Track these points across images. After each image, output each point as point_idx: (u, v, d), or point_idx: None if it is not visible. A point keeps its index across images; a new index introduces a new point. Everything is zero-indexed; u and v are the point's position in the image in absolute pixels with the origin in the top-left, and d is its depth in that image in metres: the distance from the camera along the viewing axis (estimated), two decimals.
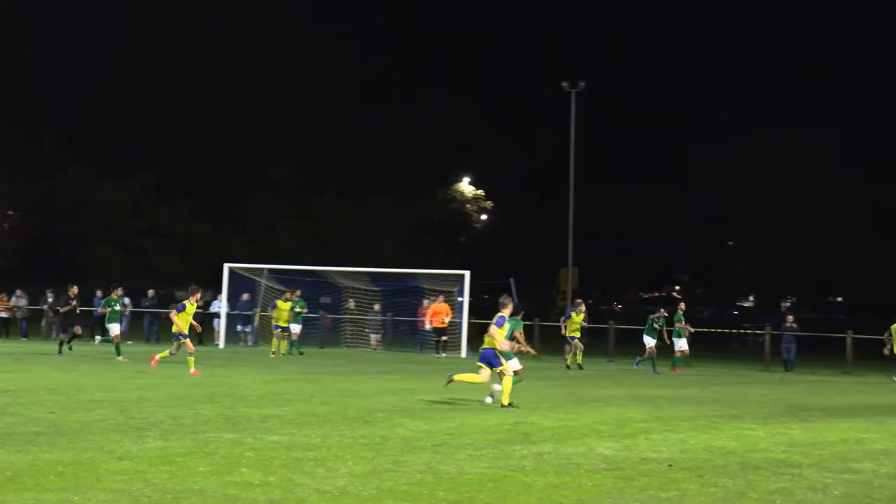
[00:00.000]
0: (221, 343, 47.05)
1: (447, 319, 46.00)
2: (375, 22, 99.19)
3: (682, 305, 40.82)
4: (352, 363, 37.69)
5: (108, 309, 38.54)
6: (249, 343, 48.22)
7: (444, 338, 45.62)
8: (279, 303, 41.89)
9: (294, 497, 12.11)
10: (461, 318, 46.52)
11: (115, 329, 37.66)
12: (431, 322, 46.03)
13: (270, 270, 49.64)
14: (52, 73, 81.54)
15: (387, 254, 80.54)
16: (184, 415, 19.32)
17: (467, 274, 46.83)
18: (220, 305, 48.31)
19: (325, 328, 50.30)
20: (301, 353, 41.26)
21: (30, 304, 51.16)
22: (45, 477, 12.78)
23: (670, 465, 14.96)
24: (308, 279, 50.90)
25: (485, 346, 22.69)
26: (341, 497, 12.17)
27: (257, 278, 48.96)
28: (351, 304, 50.16)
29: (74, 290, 37.83)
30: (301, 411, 20.51)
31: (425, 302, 48.49)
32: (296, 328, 42.98)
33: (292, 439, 16.48)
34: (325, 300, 52.35)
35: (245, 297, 48.81)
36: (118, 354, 35.32)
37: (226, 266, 48.39)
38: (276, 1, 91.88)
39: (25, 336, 49.49)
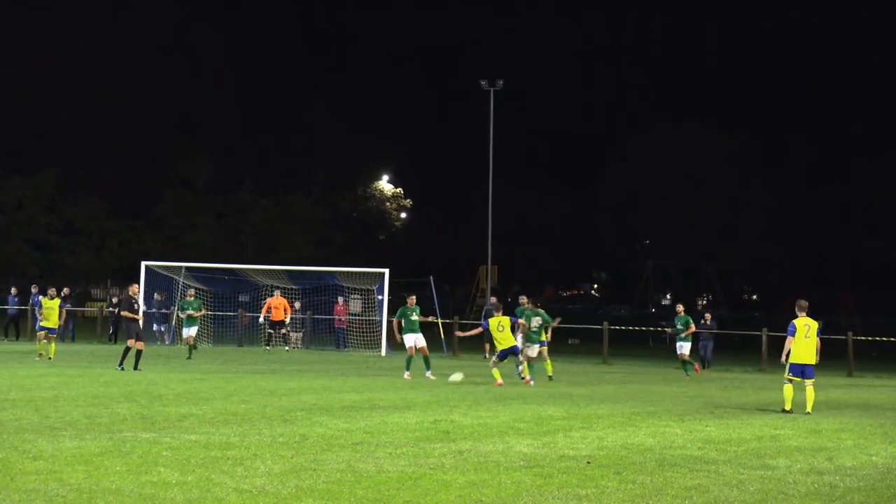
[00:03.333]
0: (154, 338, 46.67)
1: (287, 315, 46.14)
2: (292, 14, 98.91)
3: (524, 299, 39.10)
4: (270, 362, 37.50)
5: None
6: (166, 342, 47.81)
7: (284, 330, 45.84)
8: (45, 301, 36.75)
9: (212, 496, 12.03)
10: (381, 315, 46.47)
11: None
12: (271, 316, 45.95)
13: (188, 268, 49.23)
14: None
15: (305, 251, 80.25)
16: (100, 414, 19.12)
17: (386, 272, 46.80)
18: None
19: (243, 326, 50.03)
20: (189, 358, 37.51)
21: None
22: None
23: (588, 463, 15.06)
24: (226, 277, 50.59)
25: (503, 346, 23.59)
26: (260, 496, 12.11)
27: (175, 276, 48.54)
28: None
29: None
30: (219, 410, 20.38)
31: (340, 300, 48.46)
32: (191, 331, 40.00)
33: (210, 438, 16.37)
34: (243, 298, 52.06)
35: (158, 296, 48.35)
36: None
37: (143, 264, 47.93)
38: None
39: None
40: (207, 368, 32.72)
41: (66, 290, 46.95)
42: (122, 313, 31.22)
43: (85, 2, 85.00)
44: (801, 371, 23.10)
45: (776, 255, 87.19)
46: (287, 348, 45.46)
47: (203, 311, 42.47)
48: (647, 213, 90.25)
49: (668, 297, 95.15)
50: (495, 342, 29.38)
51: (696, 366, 38.93)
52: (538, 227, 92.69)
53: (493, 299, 48.59)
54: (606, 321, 48.86)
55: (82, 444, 15.41)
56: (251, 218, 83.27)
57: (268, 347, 45.31)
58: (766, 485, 13.82)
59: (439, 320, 46.91)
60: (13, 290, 49.49)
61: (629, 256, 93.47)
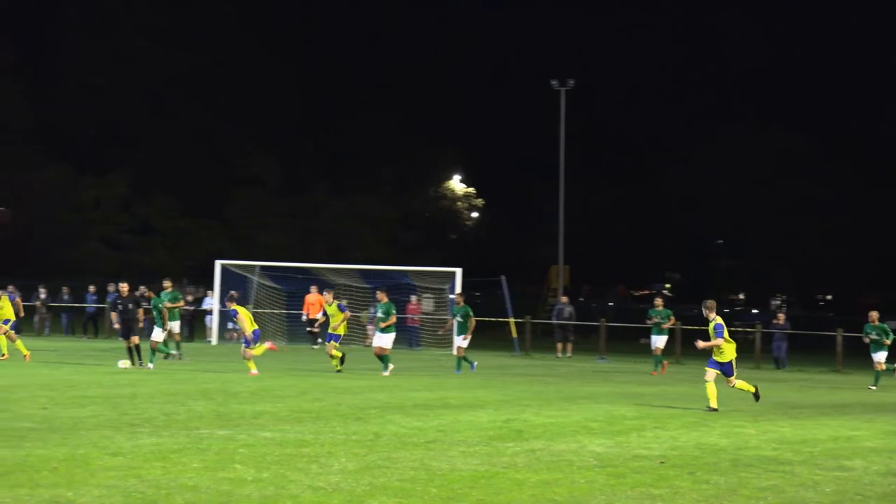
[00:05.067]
0: (214, 340, 47.05)
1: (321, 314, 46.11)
2: (367, 17, 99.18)
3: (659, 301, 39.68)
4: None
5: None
6: (242, 341, 48.13)
7: (313, 328, 45.83)
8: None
9: (287, 493, 12.15)
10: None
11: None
12: (308, 313, 45.98)
13: (262, 267, 49.62)
14: (22, 69, 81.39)
15: (376, 251, 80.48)
16: (176, 411, 19.35)
17: (458, 271, 46.87)
18: (212, 302, 48.28)
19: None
20: (166, 357, 34.03)
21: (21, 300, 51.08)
22: (39, 473, 12.81)
23: (662, 462, 15.03)
24: (299, 276, 50.90)
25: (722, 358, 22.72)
26: (334, 493, 12.21)
27: (249, 275, 48.94)
28: (343, 301, 50.14)
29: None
30: (293, 408, 20.55)
31: (413, 298, 48.57)
32: (172, 326, 34.86)
33: (285, 436, 16.52)
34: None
35: (234, 294, 48.64)
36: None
37: (217, 263, 48.36)
38: None
39: (17, 332, 49.39)
40: (281, 366, 32.96)
41: (143, 289, 47.47)
42: (112, 314, 31.66)
43: (152, 2, 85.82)
44: None
45: (848, 255, 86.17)
46: (314, 347, 45.10)
47: (181, 304, 36.93)
48: (719, 213, 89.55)
49: (742, 296, 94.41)
50: None
51: (665, 364, 37.54)
52: (609, 226, 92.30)
53: (564, 299, 48.57)
54: (679, 321, 48.56)
55: (160, 440, 15.62)
56: (322, 218, 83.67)
57: (315, 347, 45.07)
58: (842, 486, 13.72)
59: (512, 320, 46.94)
60: (91, 289, 50.18)
61: (701, 256, 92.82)
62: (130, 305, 31.46)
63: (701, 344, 23.21)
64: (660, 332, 37.47)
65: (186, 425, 17.40)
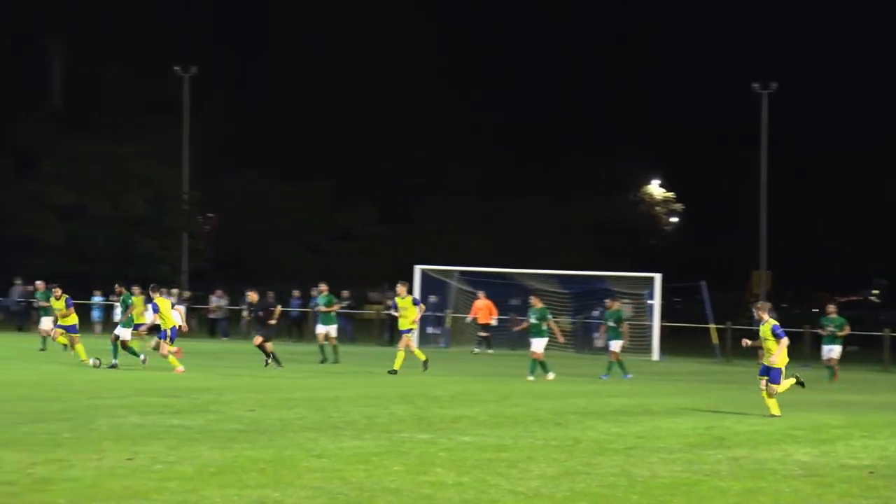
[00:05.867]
0: (414, 344, 47.53)
1: (494, 318, 45.78)
2: (559, 22, 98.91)
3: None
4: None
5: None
6: (441, 344, 48.62)
7: (486, 334, 45.38)
8: (134, 299, 34.72)
9: (487, 497, 12.21)
10: (652, 321, 46.16)
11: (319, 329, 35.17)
12: (477, 318, 45.67)
13: (461, 273, 49.97)
14: (229, 78, 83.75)
15: (571, 256, 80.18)
16: (378, 414, 19.63)
17: (658, 277, 46.43)
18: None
19: (515, 330, 50.38)
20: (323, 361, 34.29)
21: (229, 304, 52.56)
22: (247, 473, 13.15)
23: (871, 472, 14.62)
24: (497, 281, 51.06)
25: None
26: (534, 498, 12.23)
27: (448, 280, 49.34)
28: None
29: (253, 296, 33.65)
30: (492, 412, 20.65)
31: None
32: (325, 329, 35.31)
33: (484, 440, 16.61)
34: (514, 302, 52.38)
35: (433, 298, 49.21)
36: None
37: (417, 268, 48.88)
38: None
39: (226, 335, 50.84)
40: (481, 371, 33.16)
41: (345, 293, 48.39)
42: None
43: (345, 12, 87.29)
44: None
45: None
46: (475, 350, 44.97)
47: (338, 306, 37.78)
48: None
49: None
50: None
51: (837, 372, 35.50)
52: (813, 230, 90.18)
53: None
54: (887, 328, 47.14)
55: (362, 443, 15.87)
56: (517, 223, 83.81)
57: (476, 351, 44.95)
58: None
59: (712, 325, 46.28)
60: (295, 293, 51.33)
61: None
62: (262, 312, 31.72)
63: (746, 342, 22.61)
64: (833, 342, 36.09)
65: (388, 429, 17.64)
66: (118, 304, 38.05)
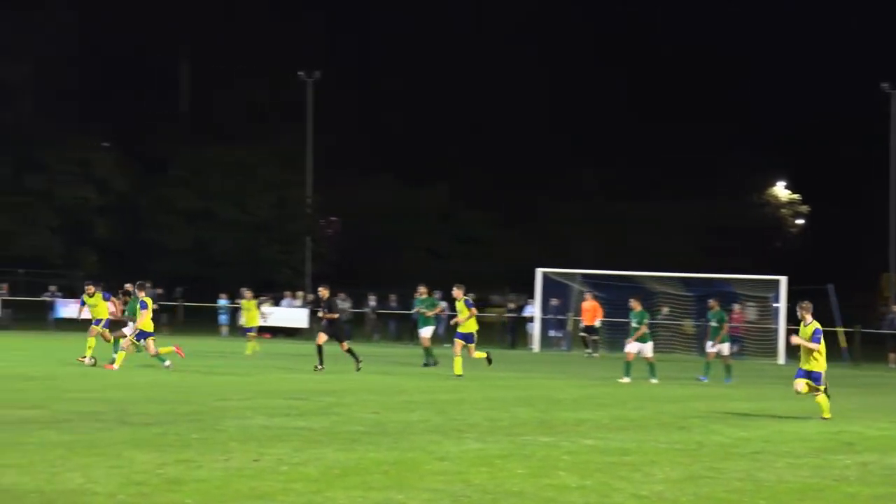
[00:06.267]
0: (536, 347, 47.53)
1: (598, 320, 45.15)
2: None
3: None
4: (662, 369, 37.35)
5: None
6: (563, 347, 48.50)
7: (594, 336, 44.68)
8: (244, 302, 38.84)
9: (610, 501, 12.15)
10: (777, 324, 45.53)
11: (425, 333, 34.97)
12: (584, 320, 45.10)
13: (583, 275, 49.79)
14: (351, 86, 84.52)
15: (695, 258, 79.33)
16: (500, 417, 19.64)
17: (784, 279, 45.79)
18: (533, 310, 48.81)
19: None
20: (431, 364, 34.03)
21: (352, 307, 52.98)
22: (371, 475, 13.24)
23: None
24: (620, 284, 50.75)
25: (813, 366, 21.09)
26: (658, 502, 12.13)
27: (570, 283, 49.18)
28: (665, 309, 49.66)
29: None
30: (615, 416, 20.54)
31: (736, 307, 47.67)
32: (425, 332, 35.44)
33: (607, 443, 16.53)
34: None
35: (554, 301, 49.09)
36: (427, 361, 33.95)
37: (538, 271, 48.82)
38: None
39: (348, 338, 51.23)
40: (601, 374, 33.00)
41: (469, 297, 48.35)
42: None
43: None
44: None
45: None
46: (586, 353, 44.59)
47: (439, 309, 37.87)
48: None
49: None
50: None
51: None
52: None
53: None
54: None
55: (485, 446, 15.88)
56: (639, 226, 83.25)
57: (588, 353, 44.67)
58: None
59: (840, 329, 45.47)
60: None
61: None
62: (326, 310, 31.38)
63: (795, 339, 21.65)
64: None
65: (510, 431, 17.64)
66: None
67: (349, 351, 30.61)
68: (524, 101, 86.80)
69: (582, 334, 45.63)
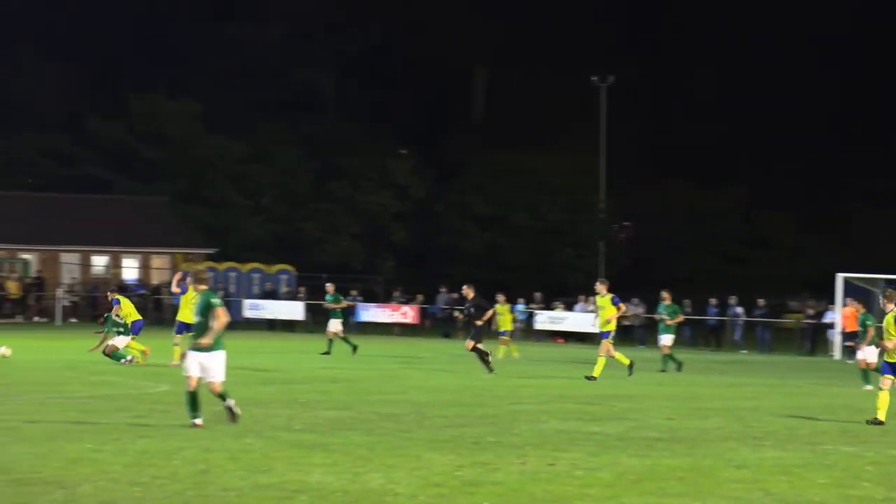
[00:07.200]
0: (837, 354, 46.09)
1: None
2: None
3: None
4: None
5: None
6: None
7: (850, 343, 41.95)
8: (498, 307, 36.42)
9: None
10: None
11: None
12: (845, 326, 42.53)
13: (886, 281, 47.95)
14: (643, 90, 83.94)
15: None
16: (799, 425, 19.16)
17: None
18: (834, 316, 47.34)
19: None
20: (672, 369, 32.52)
21: (646, 312, 52.61)
22: (666, 481, 13.16)
23: None
24: None
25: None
26: None
27: (873, 289, 47.46)
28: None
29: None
30: None
31: None
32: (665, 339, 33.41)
33: None
34: None
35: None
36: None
37: (839, 276, 47.31)
38: None
39: (643, 343, 50.89)
40: None
41: (762, 302, 47.51)
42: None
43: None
44: None
45: None
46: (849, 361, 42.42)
47: (680, 318, 35.03)
48: None
49: None
50: None
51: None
52: None
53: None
54: None
55: (783, 454, 15.54)
56: None
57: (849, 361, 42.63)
58: None
59: None
60: (712, 301, 50.83)
61: None
62: (472, 310, 30.23)
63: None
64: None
65: (810, 440, 17.19)
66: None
67: (475, 349, 29.40)
68: (820, 102, 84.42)
69: (847, 343, 43.96)
